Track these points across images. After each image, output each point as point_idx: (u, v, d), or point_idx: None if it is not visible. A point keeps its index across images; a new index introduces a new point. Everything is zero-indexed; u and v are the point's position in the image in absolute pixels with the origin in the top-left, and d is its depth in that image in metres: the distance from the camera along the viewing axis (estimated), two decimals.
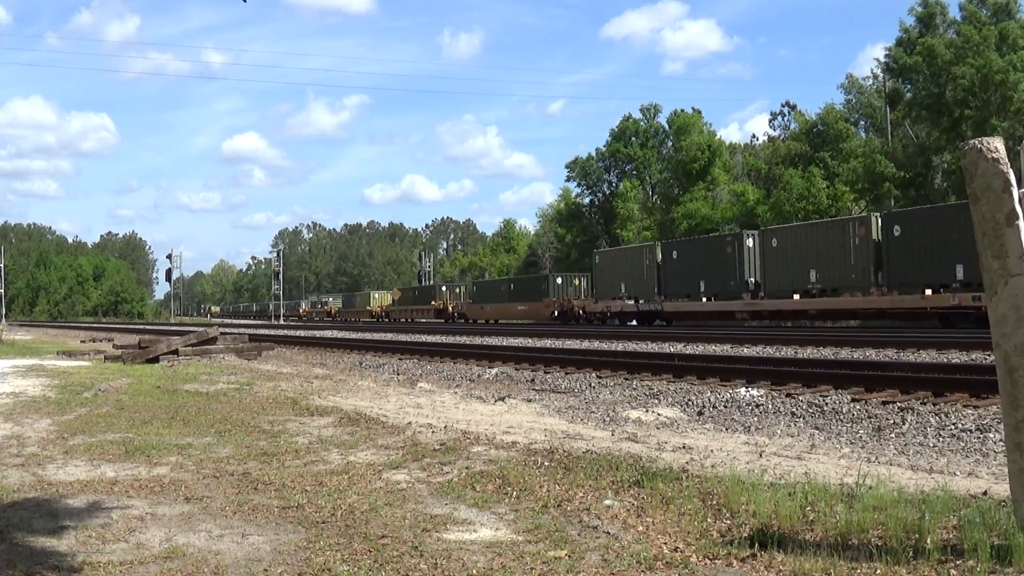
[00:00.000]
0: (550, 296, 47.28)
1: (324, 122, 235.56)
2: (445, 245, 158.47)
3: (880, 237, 26.56)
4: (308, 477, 5.67)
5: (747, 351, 17.26)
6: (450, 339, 27.17)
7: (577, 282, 48.33)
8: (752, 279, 31.70)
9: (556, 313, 45.81)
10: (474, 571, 3.65)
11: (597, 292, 41.36)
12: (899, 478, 4.99)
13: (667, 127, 68.16)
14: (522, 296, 50.82)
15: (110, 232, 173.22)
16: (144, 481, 5.67)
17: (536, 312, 48.26)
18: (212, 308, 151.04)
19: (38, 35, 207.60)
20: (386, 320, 69.06)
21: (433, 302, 63.13)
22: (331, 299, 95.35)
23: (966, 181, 3.79)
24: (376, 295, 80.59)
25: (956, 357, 14.09)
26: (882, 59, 46.83)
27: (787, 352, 16.91)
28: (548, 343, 22.63)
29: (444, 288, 65.88)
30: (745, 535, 3.87)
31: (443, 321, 59.54)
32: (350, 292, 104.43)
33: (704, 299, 33.52)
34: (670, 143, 67.32)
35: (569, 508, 4.60)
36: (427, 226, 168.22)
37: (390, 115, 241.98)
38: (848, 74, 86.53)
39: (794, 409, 9.16)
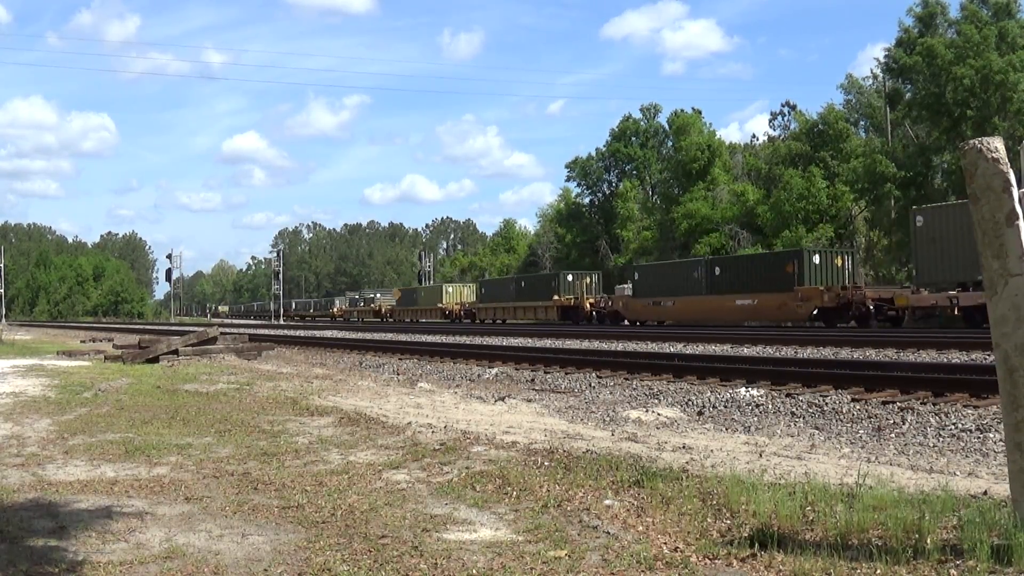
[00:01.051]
0: (806, 283, 30.23)
1: (324, 122, 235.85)
2: (445, 245, 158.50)
3: None
4: (308, 477, 5.67)
5: (747, 351, 17.27)
6: (450, 339, 27.18)
7: (840, 262, 31.54)
8: None
9: (816, 311, 29.78)
10: (474, 571, 3.65)
11: (921, 275, 25.78)
12: (899, 478, 4.99)
13: (667, 127, 68.20)
14: (744, 286, 33.00)
15: (110, 232, 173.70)
16: (144, 481, 5.67)
17: (781, 309, 31.32)
18: (220, 308, 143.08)
19: (38, 35, 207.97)
20: (467, 321, 53.91)
21: (556, 297, 45.94)
22: (379, 295, 76.49)
23: (966, 181, 3.79)
24: (450, 289, 61.66)
25: (956, 357, 14.09)
26: (882, 59, 46.86)
27: (787, 352, 16.91)
28: (548, 343, 22.64)
29: (571, 278, 47.24)
30: (745, 535, 3.87)
31: (572, 323, 43.30)
32: (410, 285, 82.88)
33: None
34: (670, 143, 67.33)
35: (569, 508, 4.60)
36: (427, 226, 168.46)
37: (390, 115, 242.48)
38: (848, 74, 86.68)
39: (794, 409, 9.16)
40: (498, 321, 51.07)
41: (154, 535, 4.35)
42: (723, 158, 60.51)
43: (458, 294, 60.23)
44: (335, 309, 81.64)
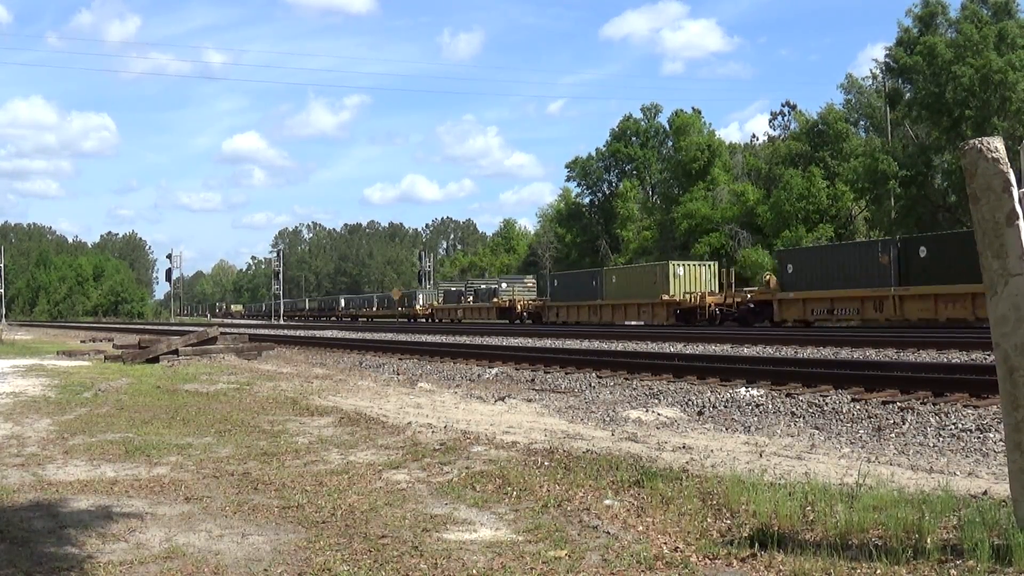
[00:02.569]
0: None
1: (324, 122, 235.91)
2: (445, 245, 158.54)
3: None
4: (308, 477, 5.67)
5: (747, 351, 17.26)
6: (450, 339, 27.19)
7: None
8: None
9: None
10: (474, 571, 3.65)
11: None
12: (899, 478, 4.99)
13: (667, 127, 68.23)
14: None
15: (110, 232, 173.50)
16: (144, 481, 5.66)
17: None
18: (233, 307, 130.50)
19: (38, 35, 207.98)
20: (750, 322, 31.21)
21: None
22: (504, 284, 50.35)
23: (966, 181, 3.79)
24: (680, 270, 35.38)
25: (956, 357, 14.09)
26: (882, 59, 46.87)
27: (787, 352, 16.90)
28: (548, 343, 22.63)
29: None
30: (745, 535, 3.87)
31: None
32: (573, 270, 51.14)
33: None
34: (670, 143, 67.37)
35: (569, 508, 4.60)
36: (427, 226, 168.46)
37: (390, 115, 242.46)
38: (848, 74, 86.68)
39: (794, 409, 9.16)
40: (826, 320, 28.74)
41: (154, 535, 4.35)
42: (723, 158, 60.55)
43: (694, 278, 35.01)
44: (418, 306, 57.21)
